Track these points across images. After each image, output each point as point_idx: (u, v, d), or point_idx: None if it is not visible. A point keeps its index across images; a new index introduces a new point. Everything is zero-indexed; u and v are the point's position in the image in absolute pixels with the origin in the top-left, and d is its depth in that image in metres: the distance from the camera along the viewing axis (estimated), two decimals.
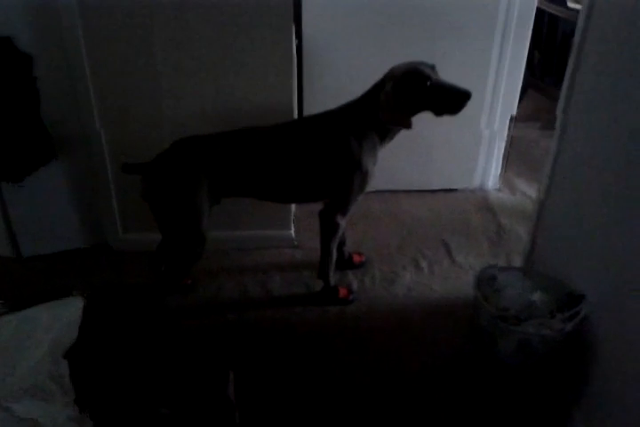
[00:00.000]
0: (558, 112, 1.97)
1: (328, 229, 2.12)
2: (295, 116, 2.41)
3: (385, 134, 2.01)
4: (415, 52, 2.69)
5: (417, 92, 1.88)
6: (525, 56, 2.81)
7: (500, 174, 3.18)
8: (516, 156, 3.29)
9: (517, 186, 3.27)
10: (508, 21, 2.70)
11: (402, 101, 1.88)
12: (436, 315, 2.25)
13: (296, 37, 2.63)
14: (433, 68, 1.93)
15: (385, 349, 2.09)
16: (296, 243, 2.64)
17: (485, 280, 1.91)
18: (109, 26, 2.13)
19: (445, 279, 2.46)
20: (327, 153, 1.98)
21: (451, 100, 1.87)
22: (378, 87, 1.95)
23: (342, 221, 2.11)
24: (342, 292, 2.28)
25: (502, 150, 3.09)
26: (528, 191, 3.21)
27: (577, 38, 1.84)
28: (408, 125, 1.93)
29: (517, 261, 2.57)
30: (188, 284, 2.35)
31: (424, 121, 2.02)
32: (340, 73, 2.76)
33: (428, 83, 1.86)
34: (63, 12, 2.09)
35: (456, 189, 3.14)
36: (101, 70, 2.22)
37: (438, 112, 1.92)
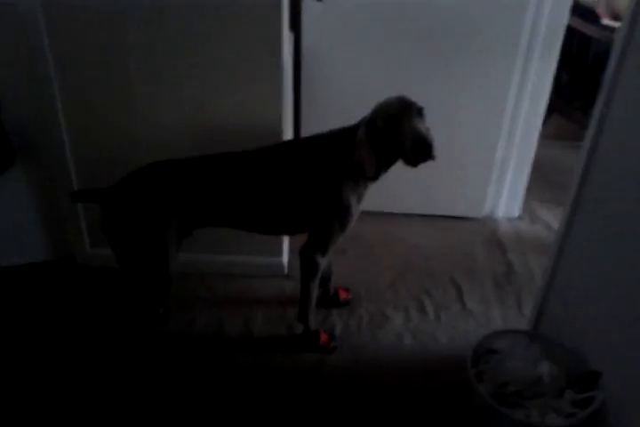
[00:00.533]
0: (590, 129, 1.66)
1: (307, 268, 1.88)
2: (286, 133, 2.15)
3: None
4: (426, 69, 2.47)
5: (389, 140, 1.66)
6: (552, 79, 2.52)
7: (522, 201, 2.91)
8: (540, 179, 2.99)
9: (539, 214, 2.99)
10: (534, 39, 2.42)
11: (373, 147, 1.67)
12: (429, 375, 1.96)
13: (294, 48, 2.39)
14: (420, 111, 1.69)
15: (358, 416, 1.81)
16: (287, 272, 2.38)
17: (483, 354, 1.64)
18: (77, 28, 1.90)
19: (453, 328, 2.18)
20: (307, 185, 1.75)
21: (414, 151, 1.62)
22: (369, 121, 1.71)
23: (322, 261, 1.87)
24: (323, 338, 2.02)
25: (525, 175, 2.81)
26: (550, 220, 2.94)
27: (616, 53, 1.55)
28: (370, 172, 1.69)
29: (528, 308, 2.31)
30: (159, 313, 2.09)
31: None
32: (343, 88, 2.51)
33: (419, 123, 1.66)
34: (26, 15, 1.87)
35: (465, 218, 2.87)
36: (68, 76, 1.99)
37: (413, 160, 1.65)
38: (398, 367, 1.99)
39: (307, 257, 1.86)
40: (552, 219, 2.96)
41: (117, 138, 2.10)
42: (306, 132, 2.56)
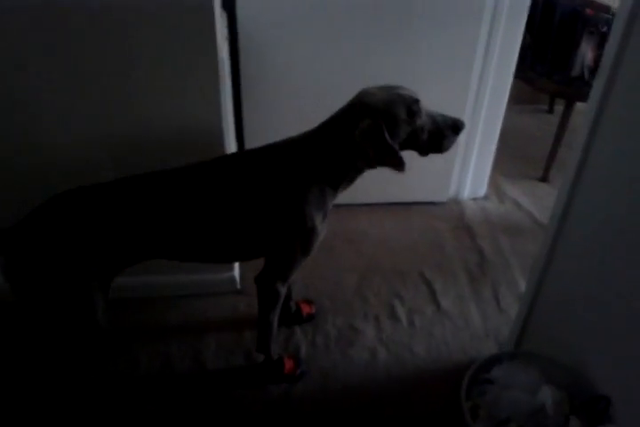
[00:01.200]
0: (586, 118, 1.42)
1: (266, 298, 1.61)
2: (228, 140, 1.82)
3: (340, 182, 1.48)
4: (384, 39, 2.16)
5: (403, 131, 1.37)
6: (519, 45, 2.28)
7: (488, 179, 2.69)
8: (502, 150, 2.72)
9: (506, 191, 2.79)
10: (500, 1, 2.15)
11: (386, 143, 1.33)
12: (408, 398, 1.73)
13: (229, 33, 2.03)
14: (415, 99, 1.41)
15: None
16: (240, 287, 2.10)
17: (477, 385, 1.42)
18: None
19: (430, 335, 1.96)
20: (263, 203, 1.44)
21: (442, 138, 1.43)
22: (339, 120, 1.39)
23: (283, 289, 1.59)
24: (288, 365, 1.76)
25: (491, 150, 2.58)
26: (518, 196, 2.74)
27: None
28: (402, 166, 1.37)
29: (506, 302, 2.11)
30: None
31: None
32: (290, 78, 2.18)
33: (418, 120, 1.39)
34: None
35: (429, 203, 2.64)
36: None
37: (424, 152, 1.45)
38: (374, 390, 1.76)
39: (265, 286, 1.58)
40: (519, 195, 2.77)
41: (18, 161, 1.71)
42: (249, 132, 2.24)
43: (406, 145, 1.42)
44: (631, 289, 1.29)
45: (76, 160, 1.70)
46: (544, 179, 2.89)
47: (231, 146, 1.84)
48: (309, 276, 2.15)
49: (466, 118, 2.41)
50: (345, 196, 1.95)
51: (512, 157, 2.95)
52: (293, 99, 2.21)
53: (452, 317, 2.05)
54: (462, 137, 2.47)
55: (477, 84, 2.35)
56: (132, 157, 1.68)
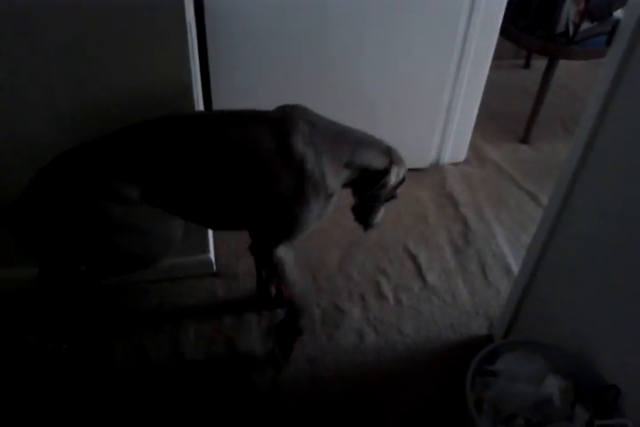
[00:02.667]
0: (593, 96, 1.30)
1: (269, 266, 1.52)
2: (198, 105, 1.64)
3: None
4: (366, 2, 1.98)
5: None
6: (505, 2, 2.13)
7: (469, 142, 2.57)
8: (482, 110, 2.53)
9: (486, 154, 2.68)
10: None
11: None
12: (399, 383, 1.67)
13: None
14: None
15: None
16: (216, 269, 1.96)
17: (481, 378, 1.35)
18: None
19: (418, 313, 1.89)
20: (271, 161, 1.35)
21: None
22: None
23: (283, 253, 1.47)
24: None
25: (474, 112, 2.45)
26: (499, 160, 2.64)
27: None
28: None
29: (493, 274, 2.05)
30: (61, 349, 1.67)
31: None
32: (261, 42, 1.97)
33: None
34: None
35: (410, 170, 2.48)
36: None
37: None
38: (364, 375, 1.69)
39: (265, 254, 1.47)
40: (500, 158, 2.67)
41: None
42: (218, 100, 2.05)
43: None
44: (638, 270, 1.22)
45: (41, 135, 1.51)
46: (525, 140, 2.79)
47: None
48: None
49: (449, 78, 2.28)
50: None
51: (490, 116, 2.82)
52: (259, 54, 2.01)
53: (440, 292, 1.97)
54: (445, 98, 2.36)
55: (461, 42, 2.20)
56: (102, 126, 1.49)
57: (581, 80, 3.22)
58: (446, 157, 2.55)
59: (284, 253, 1.47)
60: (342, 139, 1.44)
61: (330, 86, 2.12)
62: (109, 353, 1.68)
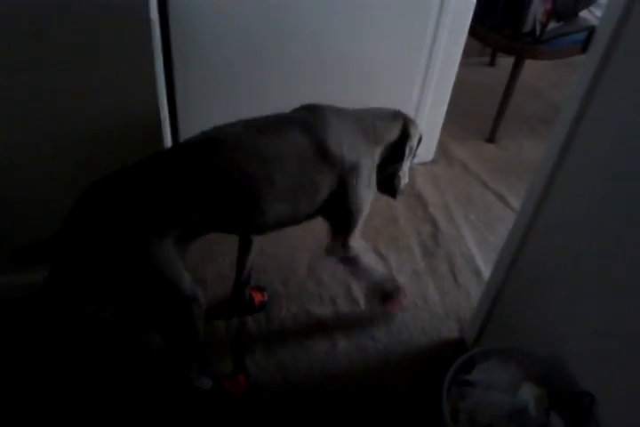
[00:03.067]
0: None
1: (346, 261, 1.61)
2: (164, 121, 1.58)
3: None
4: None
5: None
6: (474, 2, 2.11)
7: (437, 141, 2.56)
8: (449, 109, 2.50)
9: (454, 153, 2.67)
10: None
11: None
12: (372, 392, 1.65)
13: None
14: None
15: None
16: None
17: (457, 387, 1.33)
18: None
19: (389, 317, 1.87)
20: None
21: None
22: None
23: (355, 243, 1.57)
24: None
25: (442, 111, 2.43)
26: (466, 159, 2.64)
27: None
28: None
29: (463, 276, 2.04)
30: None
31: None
32: (230, 49, 1.90)
33: None
34: None
35: None
36: None
37: None
38: (335, 382, 1.66)
39: (338, 250, 1.56)
40: (467, 158, 2.67)
41: None
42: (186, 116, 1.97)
43: None
44: (612, 274, 1.22)
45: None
46: (491, 139, 2.80)
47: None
48: (259, 257, 1.98)
49: (418, 77, 2.26)
50: None
51: (457, 114, 2.80)
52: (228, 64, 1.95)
53: (410, 295, 1.96)
54: (414, 97, 2.34)
55: (431, 42, 2.17)
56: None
57: (547, 79, 3.25)
58: (415, 157, 2.53)
59: (356, 243, 1.56)
60: (367, 117, 1.51)
61: (299, 87, 2.07)
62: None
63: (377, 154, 1.53)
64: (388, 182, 1.66)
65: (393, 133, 1.56)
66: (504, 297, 1.64)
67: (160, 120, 1.49)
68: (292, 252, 2.05)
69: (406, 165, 1.63)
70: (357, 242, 1.57)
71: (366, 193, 1.50)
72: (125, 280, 1.22)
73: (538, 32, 2.52)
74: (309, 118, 1.41)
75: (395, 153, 1.58)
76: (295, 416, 1.57)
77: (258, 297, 1.83)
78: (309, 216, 1.49)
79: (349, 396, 1.63)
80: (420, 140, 1.66)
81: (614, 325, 1.23)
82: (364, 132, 1.48)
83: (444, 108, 2.44)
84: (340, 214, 1.50)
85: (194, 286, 1.31)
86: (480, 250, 2.18)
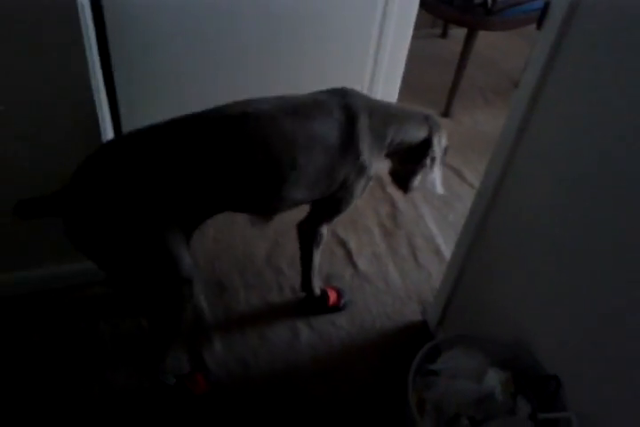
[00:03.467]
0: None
1: (313, 240, 1.63)
2: (102, 117, 1.46)
3: None
4: None
5: None
6: None
7: None
8: (404, 83, 2.39)
9: None
10: None
11: None
12: (336, 382, 1.61)
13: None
14: None
15: None
16: None
17: (422, 377, 1.30)
18: None
19: (351, 303, 1.83)
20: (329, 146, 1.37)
21: None
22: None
23: (326, 230, 1.63)
24: (332, 297, 1.79)
25: (396, 87, 2.36)
26: None
27: None
28: None
29: (423, 256, 2.01)
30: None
31: None
32: (171, 35, 1.76)
33: None
34: None
35: None
36: None
37: None
38: (299, 374, 1.62)
39: (312, 230, 1.60)
40: None
41: None
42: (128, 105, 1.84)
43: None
44: (571, 254, 1.20)
45: None
46: (446, 113, 2.75)
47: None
48: (214, 248, 1.90)
49: (371, 50, 2.17)
50: None
51: (411, 88, 2.74)
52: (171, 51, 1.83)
53: (372, 279, 1.92)
54: (367, 71, 2.26)
55: (381, 14, 2.09)
56: None
57: (500, 50, 3.22)
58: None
59: (325, 230, 1.62)
60: (390, 121, 1.47)
61: (248, 66, 1.97)
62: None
63: (380, 162, 1.53)
64: (404, 177, 1.69)
65: (416, 137, 1.53)
66: (465, 280, 1.61)
67: (96, 114, 1.38)
68: (249, 241, 1.97)
69: (434, 174, 1.61)
70: (325, 231, 1.64)
71: (360, 193, 1.53)
72: (127, 244, 1.20)
73: (489, 3, 2.47)
74: (344, 110, 1.38)
75: (416, 154, 1.57)
76: (259, 413, 1.52)
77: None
78: (311, 201, 1.52)
79: (314, 388, 1.59)
80: (446, 149, 1.65)
81: (574, 307, 1.21)
82: (383, 136, 1.46)
83: (398, 81, 2.36)
84: (331, 204, 1.52)
85: (192, 267, 1.29)
86: (440, 229, 2.15)
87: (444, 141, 1.62)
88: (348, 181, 1.45)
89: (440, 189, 1.63)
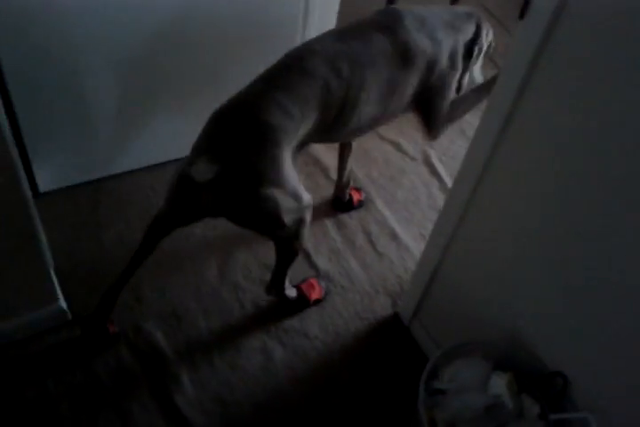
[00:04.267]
0: None
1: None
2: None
3: None
4: None
5: None
6: None
7: None
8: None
9: None
10: None
11: None
12: (321, 393, 1.51)
13: None
14: None
15: None
16: (71, 316, 1.57)
17: (428, 395, 1.20)
18: None
19: (320, 309, 1.71)
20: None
21: None
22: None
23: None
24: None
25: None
26: None
27: None
28: None
29: (383, 245, 1.91)
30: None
31: None
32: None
33: None
34: None
35: None
36: None
37: None
38: (281, 400, 1.50)
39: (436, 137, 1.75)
40: None
41: None
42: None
43: None
44: (556, 244, 1.13)
45: None
46: None
47: None
48: (161, 274, 1.70)
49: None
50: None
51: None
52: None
53: (334, 277, 1.80)
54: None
55: None
56: None
57: None
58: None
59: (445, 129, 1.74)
60: (442, 26, 1.57)
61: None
62: None
63: (460, 40, 1.61)
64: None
65: (467, 32, 1.62)
66: (442, 274, 1.52)
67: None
68: (198, 258, 1.78)
69: (476, 64, 1.72)
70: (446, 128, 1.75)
71: (450, 80, 1.62)
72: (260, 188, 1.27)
73: None
74: (389, 21, 1.51)
75: (466, 51, 1.65)
76: None
77: (356, 196, 2.00)
78: (399, 112, 1.62)
79: (303, 414, 1.48)
80: (491, 45, 1.73)
81: (571, 293, 1.15)
82: (444, 24, 1.57)
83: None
84: (428, 105, 1.64)
85: (308, 194, 1.39)
86: (391, 210, 2.04)
87: (490, 35, 1.70)
88: (433, 89, 1.59)
89: (480, 78, 1.77)
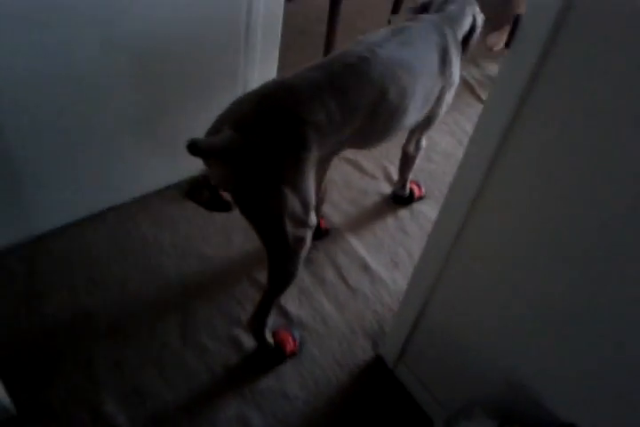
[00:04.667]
0: None
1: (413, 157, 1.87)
2: None
3: None
4: None
5: None
6: None
7: None
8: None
9: None
10: None
11: None
12: None
13: None
14: None
15: None
16: (16, 412, 1.35)
17: None
18: None
19: (296, 362, 1.55)
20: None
21: None
22: None
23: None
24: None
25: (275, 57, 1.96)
26: None
27: None
28: None
29: (355, 279, 1.77)
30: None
31: None
32: None
33: None
34: None
35: None
36: None
37: None
38: None
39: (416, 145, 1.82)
40: None
41: None
42: None
43: None
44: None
45: None
46: None
47: None
48: (113, 344, 1.50)
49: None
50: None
51: (291, 50, 2.35)
52: None
53: (308, 323, 1.66)
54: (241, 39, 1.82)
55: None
56: None
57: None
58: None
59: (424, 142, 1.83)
60: (458, 24, 1.58)
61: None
62: None
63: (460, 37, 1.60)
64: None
65: (466, 27, 1.62)
66: (428, 316, 1.39)
67: None
68: (153, 319, 1.60)
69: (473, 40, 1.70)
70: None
71: (450, 103, 1.66)
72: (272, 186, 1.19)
73: None
74: (434, 34, 1.49)
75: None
76: None
77: (321, 224, 1.84)
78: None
79: None
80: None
81: (573, 339, 1.04)
82: (458, 41, 1.57)
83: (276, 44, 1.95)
84: (425, 121, 1.66)
85: (315, 216, 1.31)
86: (357, 237, 1.92)
87: (480, 20, 1.67)
88: (442, 96, 1.58)
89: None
